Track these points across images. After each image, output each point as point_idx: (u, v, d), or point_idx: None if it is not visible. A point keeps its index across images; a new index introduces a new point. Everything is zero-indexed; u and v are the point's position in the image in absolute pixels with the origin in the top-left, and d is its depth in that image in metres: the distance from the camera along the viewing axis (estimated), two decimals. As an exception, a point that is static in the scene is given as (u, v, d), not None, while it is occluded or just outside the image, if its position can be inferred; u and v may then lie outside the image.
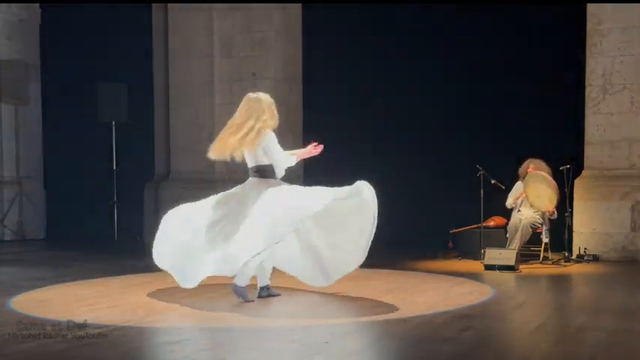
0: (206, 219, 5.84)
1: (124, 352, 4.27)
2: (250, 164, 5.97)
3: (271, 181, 5.90)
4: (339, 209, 5.92)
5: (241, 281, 5.83)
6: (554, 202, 8.25)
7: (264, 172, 5.91)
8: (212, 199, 6.00)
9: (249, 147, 5.87)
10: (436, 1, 9.99)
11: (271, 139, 5.89)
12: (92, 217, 11.65)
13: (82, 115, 11.67)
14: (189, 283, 5.86)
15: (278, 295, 6.14)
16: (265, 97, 5.98)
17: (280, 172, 5.97)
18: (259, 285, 6.10)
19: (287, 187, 5.91)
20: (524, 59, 9.73)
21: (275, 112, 5.97)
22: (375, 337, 4.73)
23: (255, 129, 5.81)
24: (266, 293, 6.08)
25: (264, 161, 5.90)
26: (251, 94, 6.01)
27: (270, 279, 6.16)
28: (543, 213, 8.37)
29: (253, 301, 5.91)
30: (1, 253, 10.11)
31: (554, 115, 9.49)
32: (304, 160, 6.43)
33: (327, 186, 5.95)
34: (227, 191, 6.05)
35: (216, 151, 5.98)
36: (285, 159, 5.99)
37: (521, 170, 8.66)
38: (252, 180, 5.97)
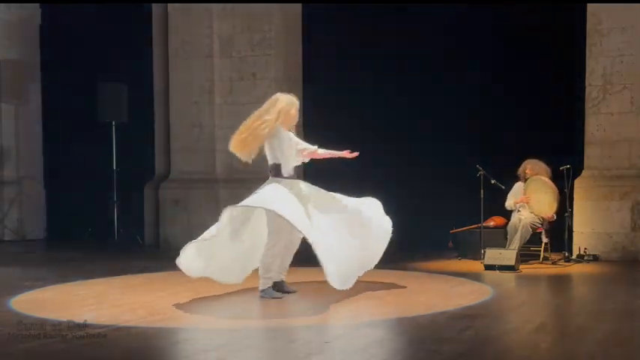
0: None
1: (124, 352, 4.26)
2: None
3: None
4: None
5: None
6: (554, 207, 8.29)
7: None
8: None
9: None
10: (437, 1, 9.99)
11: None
12: (92, 217, 11.64)
13: (82, 115, 11.66)
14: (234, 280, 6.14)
15: (294, 291, 6.23)
16: (283, 97, 6.22)
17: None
18: (274, 280, 6.18)
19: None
20: (524, 59, 9.73)
21: (290, 112, 6.18)
22: (375, 337, 4.72)
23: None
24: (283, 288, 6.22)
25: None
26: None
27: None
28: (543, 218, 8.39)
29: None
30: (1, 253, 10.12)
31: (554, 115, 9.48)
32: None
33: (326, 185, 6.01)
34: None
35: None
36: None
37: (519, 171, 8.66)
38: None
